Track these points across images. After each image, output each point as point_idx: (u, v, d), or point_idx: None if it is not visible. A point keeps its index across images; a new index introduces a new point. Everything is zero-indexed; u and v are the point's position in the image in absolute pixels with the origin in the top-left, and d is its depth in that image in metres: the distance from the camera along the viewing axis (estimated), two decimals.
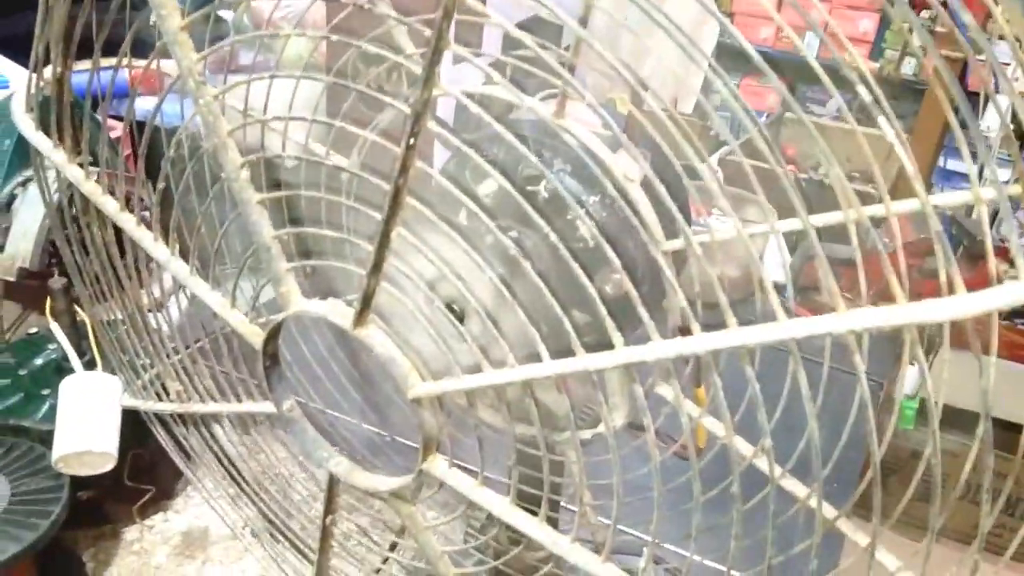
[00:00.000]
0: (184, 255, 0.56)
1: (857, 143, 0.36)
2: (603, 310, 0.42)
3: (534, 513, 0.48)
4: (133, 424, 0.83)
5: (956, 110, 0.32)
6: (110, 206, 0.57)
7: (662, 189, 0.41)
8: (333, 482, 0.57)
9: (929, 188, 2.39)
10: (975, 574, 0.43)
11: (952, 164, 2.55)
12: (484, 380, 0.44)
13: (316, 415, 0.64)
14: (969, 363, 0.36)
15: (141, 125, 0.55)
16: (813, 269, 0.36)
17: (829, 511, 0.51)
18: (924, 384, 0.37)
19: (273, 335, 0.53)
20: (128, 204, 0.57)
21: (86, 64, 0.58)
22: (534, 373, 0.43)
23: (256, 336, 0.53)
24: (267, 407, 0.57)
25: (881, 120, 0.31)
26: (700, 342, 0.37)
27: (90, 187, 0.57)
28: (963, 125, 0.33)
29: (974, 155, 0.38)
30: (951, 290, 0.32)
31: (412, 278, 0.47)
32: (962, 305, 0.31)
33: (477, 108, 0.41)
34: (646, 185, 0.52)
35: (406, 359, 0.47)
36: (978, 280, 0.32)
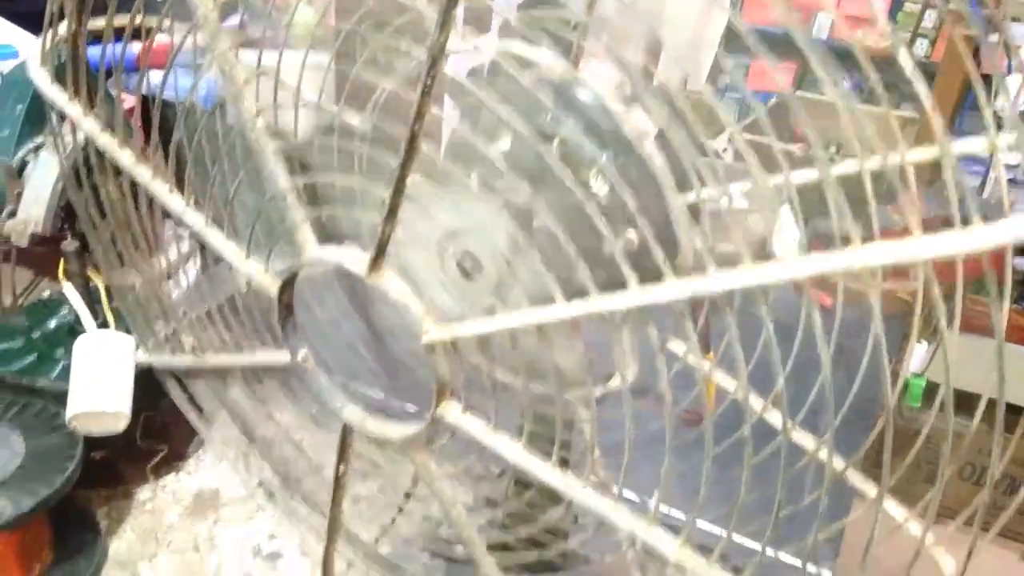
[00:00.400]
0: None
1: (865, 124, 0.36)
2: (618, 255, 0.42)
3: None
4: (146, 386, 0.84)
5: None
6: (126, 158, 0.58)
7: (678, 137, 0.42)
8: (347, 431, 0.57)
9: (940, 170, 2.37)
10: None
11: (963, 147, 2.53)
12: (497, 324, 0.45)
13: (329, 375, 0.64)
14: (975, 345, 0.36)
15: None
16: (822, 245, 0.36)
17: (839, 463, 0.51)
18: (932, 360, 0.37)
19: (288, 284, 0.53)
20: (144, 155, 0.57)
21: (100, 21, 0.58)
22: (548, 315, 0.43)
23: (272, 285, 0.54)
24: (282, 356, 0.58)
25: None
26: (714, 281, 0.37)
27: (105, 139, 0.58)
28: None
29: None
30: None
31: (425, 226, 0.47)
32: (977, 238, 0.31)
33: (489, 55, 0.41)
34: (660, 139, 0.52)
35: (420, 304, 0.47)
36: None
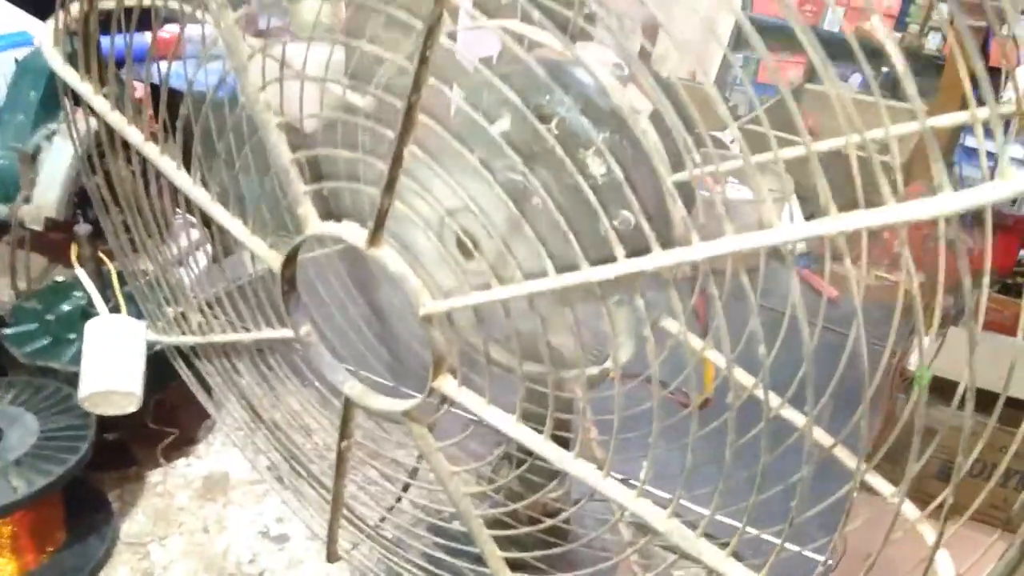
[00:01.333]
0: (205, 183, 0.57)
1: (877, 116, 0.36)
2: (612, 235, 0.43)
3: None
4: (156, 370, 0.85)
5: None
6: (135, 136, 0.59)
7: (672, 117, 0.42)
8: (348, 405, 0.58)
9: (950, 166, 2.37)
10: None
11: (972, 141, 2.52)
12: (492, 295, 0.46)
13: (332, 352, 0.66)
14: (985, 341, 0.37)
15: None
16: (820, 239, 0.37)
17: (826, 440, 0.52)
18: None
19: (291, 259, 0.54)
20: (152, 135, 0.59)
21: (111, 2, 0.60)
22: (539, 287, 0.44)
23: (275, 260, 0.55)
24: (285, 333, 0.59)
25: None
26: (698, 250, 0.38)
27: (115, 117, 0.59)
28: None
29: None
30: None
31: (425, 202, 0.48)
32: (952, 201, 0.32)
33: (490, 24, 0.42)
34: (655, 120, 0.53)
35: (417, 278, 0.48)
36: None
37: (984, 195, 0.30)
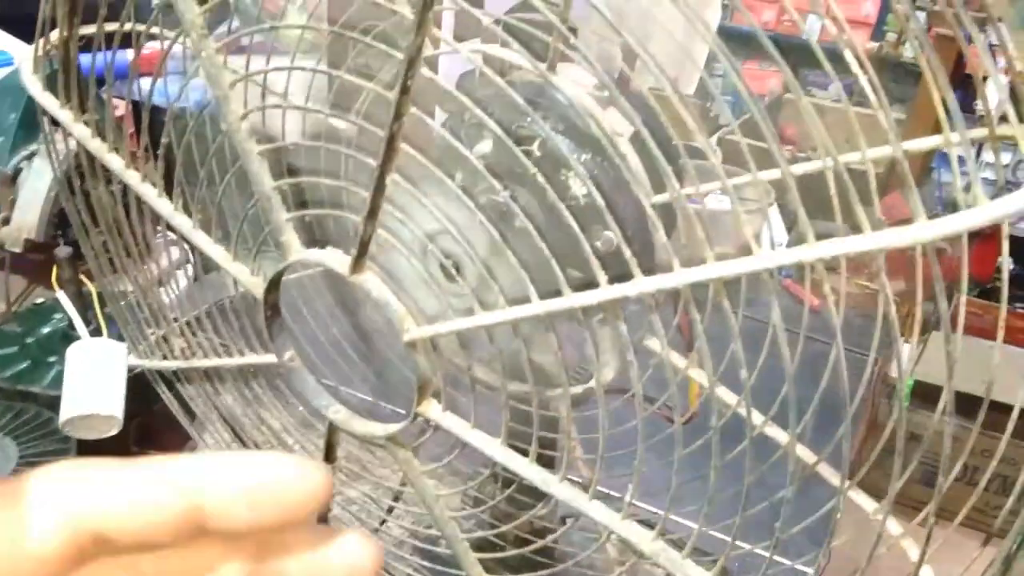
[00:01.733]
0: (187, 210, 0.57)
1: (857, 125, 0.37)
2: (593, 260, 0.43)
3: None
4: (138, 393, 0.84)
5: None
6: (115, 163, 0.59)
7: (652, 143, 0.43)
8: (332, 430, 0.58)
9: (928, 172, 2.40)
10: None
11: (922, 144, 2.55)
12: (476, 321, 0.46)
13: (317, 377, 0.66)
14: (967, 346, 0.37)
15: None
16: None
17: (810, 457, 0.52)
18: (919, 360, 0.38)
19: (274, 285, 0.54)
20: (133, 161, 0.59)
21: (91, 28, 0.60)
22: (523, 313, 0.44)
23: (257, 287, 0.55)
24: (268, 359, 0.59)
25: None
26: (680, 276, 0.39)
27: (96, 144, 0.59)
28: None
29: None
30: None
31: (407, 228, 0.49)
32: (928, 230, 0.32)
33: (469, 55, 0.42)
34: (636, 142, 0.53)
35: (401, 304, 0.49)
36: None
37: (959, 223, 0.30)
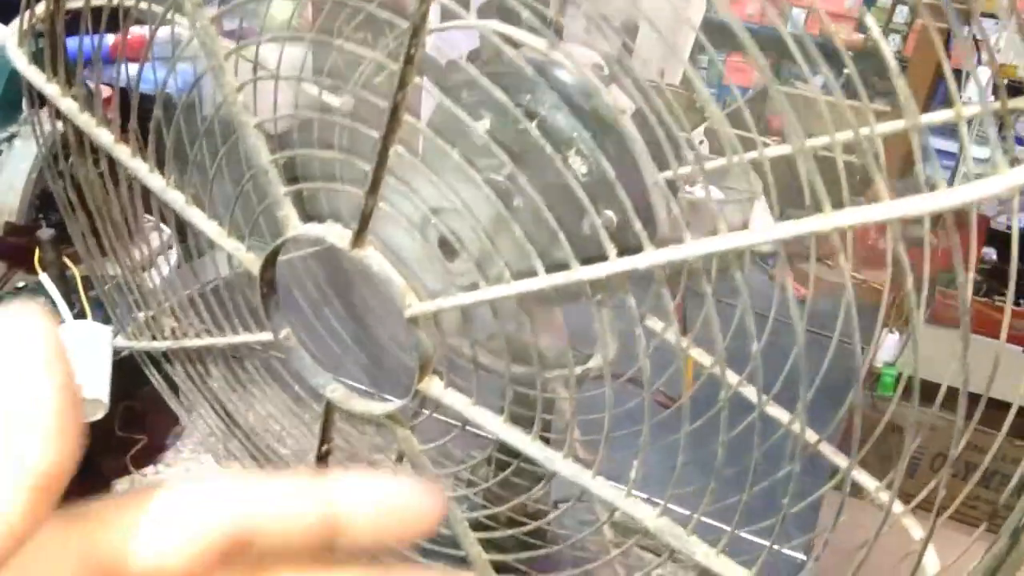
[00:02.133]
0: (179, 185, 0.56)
1: (842, 117, 0.37)
2: (603, 231, 0.43)
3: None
4: (124, 376, 0.83)
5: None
6: (104, 137, 0.58)
7: (654, 118, 0.42)
8: (329, 409, 0.58)
9: (913, 163, 2.41)
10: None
11: (935, 142, 2.57)
12: (480, 295, 0.45)
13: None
14: (948, 338, 0.37)
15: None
16: (797, 240, 0.37)
17: (812, 436, 0.52)
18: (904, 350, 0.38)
19: (271, 261, 0.53)
20: (123, 135, 0.57)
21: (78, 2, 0.58)
22: (529, 286, 0.44)
23: (253, 263, 0.54)
24: (263, 337, 0.58)
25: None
26: (690, 248, 0.38)
27: (84, 119, 0.58)
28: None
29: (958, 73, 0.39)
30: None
31: (410, 201, 0.48)
32: (940, 199, 0.32)
33: (475, 24, 0.41)
34: (637, 119, 0.53)
35: (402, 278, 0.48)
36: None
37: (984, 188, 0.30)
